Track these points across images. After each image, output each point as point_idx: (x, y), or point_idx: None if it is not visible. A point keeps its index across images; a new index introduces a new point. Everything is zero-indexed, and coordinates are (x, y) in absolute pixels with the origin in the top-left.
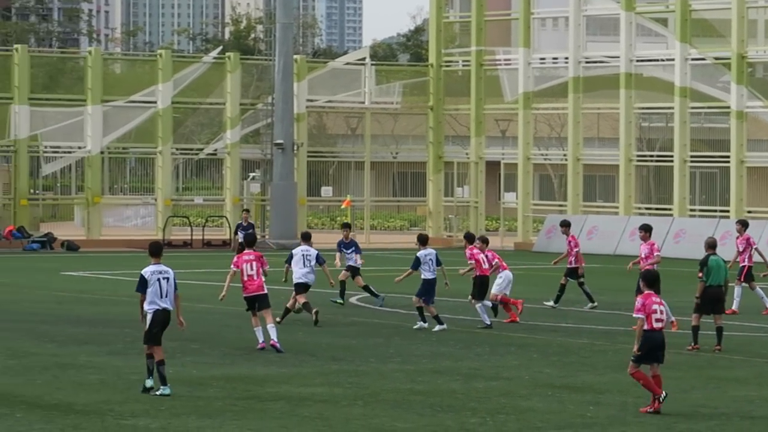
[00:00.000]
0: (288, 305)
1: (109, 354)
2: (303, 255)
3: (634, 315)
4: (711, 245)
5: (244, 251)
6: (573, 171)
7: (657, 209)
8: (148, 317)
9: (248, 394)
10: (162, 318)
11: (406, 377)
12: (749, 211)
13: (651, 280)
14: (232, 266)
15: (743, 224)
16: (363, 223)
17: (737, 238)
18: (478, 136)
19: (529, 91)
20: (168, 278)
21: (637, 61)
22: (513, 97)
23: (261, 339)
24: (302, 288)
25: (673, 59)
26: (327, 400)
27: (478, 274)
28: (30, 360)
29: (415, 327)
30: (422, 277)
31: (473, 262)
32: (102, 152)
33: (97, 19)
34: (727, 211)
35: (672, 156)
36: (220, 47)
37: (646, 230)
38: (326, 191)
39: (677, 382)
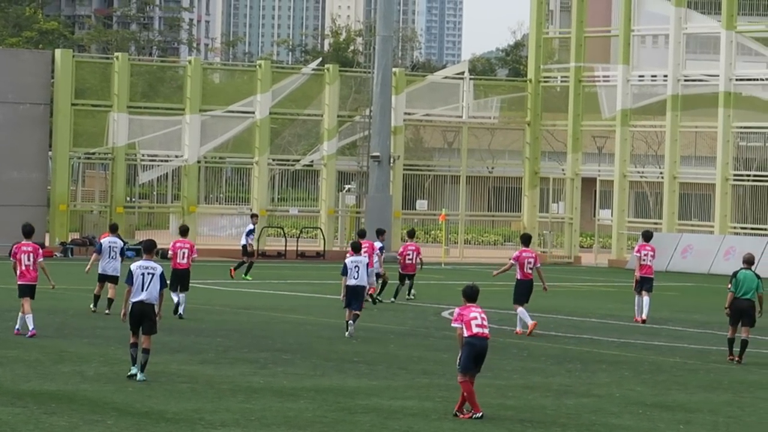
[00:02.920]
0: (96, 292)
1: (200, 363)
2: (110, 246)
3: (452, 324)
4: (746, 260)
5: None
6: (669, 189)
7: (753, 229)
8: (129, 308)
9: (338, 406)
10: (137, 309)
11: (496, 392)
12: None
13: (471, 295)
14: None
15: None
16: (457, 237)
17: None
18: (575, 152)
19: (627, 108)
20: (153, 274)
21: (737, 80)
22: (611, 113)
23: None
24: (105, 279)
25: None
26: (417, 413)
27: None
28: (122, 367)
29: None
30: (347, 283)
31: None
32: (199, 161)
33: (197, 29)
34: None
35: None
36: (319, 59)
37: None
38: (421, 204)
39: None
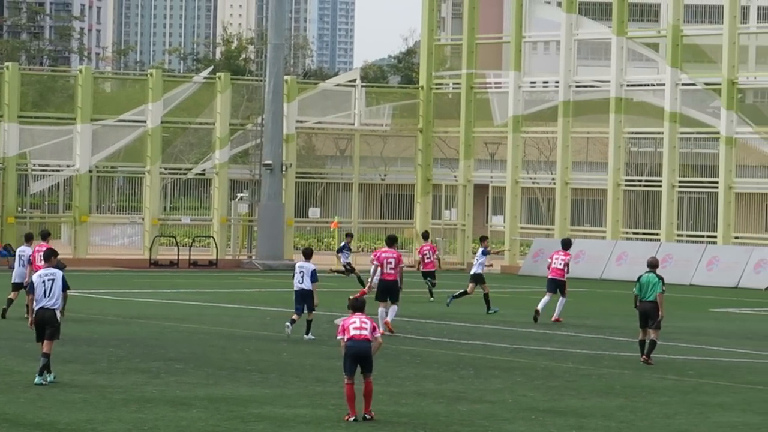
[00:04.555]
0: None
1: (93, 373)
2: (19, 255)
3: (337, 338)
4: (650, 264)
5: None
6: (561, 195)
7: (644, 234)
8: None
9: (231, 415)
10: (39, 316)
11: (390, 399)
12: (736, 237)
13: (355, 307)
14: None
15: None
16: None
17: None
18: (467, 158)
19: (518, 114)
20: (53, 280)
21: (628, 85)
22: (502, 120)
23: None
24: (19, 287)
25: (663, 84)
26: (310, 421)
27: None
28: (14, 378)
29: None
30: (294, 288)
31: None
32: (90, 171)
33: (88, 38)
34: (715, 237)
35: (660, 181)
36: (211, 67)
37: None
38: (314, 212)
39: (661, 407)
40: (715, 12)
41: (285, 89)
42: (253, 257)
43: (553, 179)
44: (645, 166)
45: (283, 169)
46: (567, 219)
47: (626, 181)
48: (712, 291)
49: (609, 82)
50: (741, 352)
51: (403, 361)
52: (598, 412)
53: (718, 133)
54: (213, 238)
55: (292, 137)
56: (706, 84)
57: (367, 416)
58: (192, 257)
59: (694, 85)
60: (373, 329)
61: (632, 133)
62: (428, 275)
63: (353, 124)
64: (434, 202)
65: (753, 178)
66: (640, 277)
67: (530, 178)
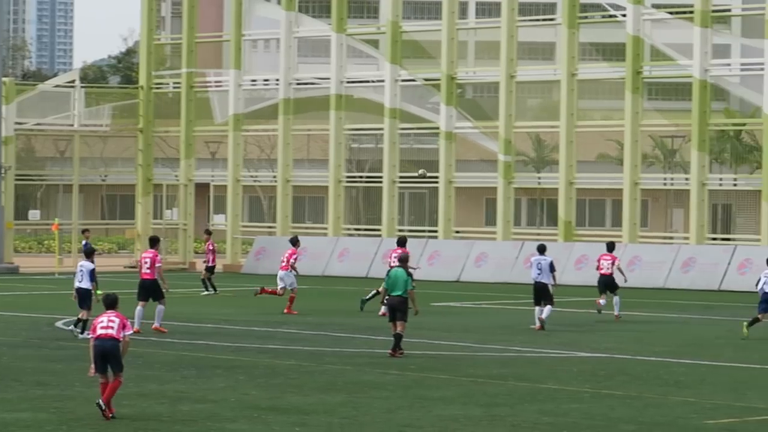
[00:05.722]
0: None
1: None
2: None
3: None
4: (399, 258)
5: None
6: (282, 192)
7: (366, 230)
8: None
9: None
10: None
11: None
12: (457, 231)
13: (108, 303)
14: None
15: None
16: (71, 246)
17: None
18: (188, 158)
19: (239, 113)
20: None
21: (348, 82)
22: (223, 119)
23: None
24: None
25: (383, 80)
26: (31, 425)
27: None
28: None
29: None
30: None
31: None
32: None
33: None
34: (436, 231)
35: (381, 177)
36: None
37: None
38: (34, 215)
39: (383, 401)
40: (434, 8)
41: (3, 91)
42: None
43: (274, 177)
44: (366, 163)
45: (2, 171)
46: (289, 216)
47: (347, 177)
48: (434, 285)
49: (329, 79)
50: (462, 346)
51: (125, 362)
52: (320, 408)
53: (438, 128)
54: None
55: (11, 139)
56: (426, 80)
57: (101, 403)
58: None
59: (413, 81)
60: (123, 327)
61: (353, 129)
62: None
63: (73, 125)
64: (155, 202)
65: (473, 173)
66: (389, 271)
67: (252, 177)
